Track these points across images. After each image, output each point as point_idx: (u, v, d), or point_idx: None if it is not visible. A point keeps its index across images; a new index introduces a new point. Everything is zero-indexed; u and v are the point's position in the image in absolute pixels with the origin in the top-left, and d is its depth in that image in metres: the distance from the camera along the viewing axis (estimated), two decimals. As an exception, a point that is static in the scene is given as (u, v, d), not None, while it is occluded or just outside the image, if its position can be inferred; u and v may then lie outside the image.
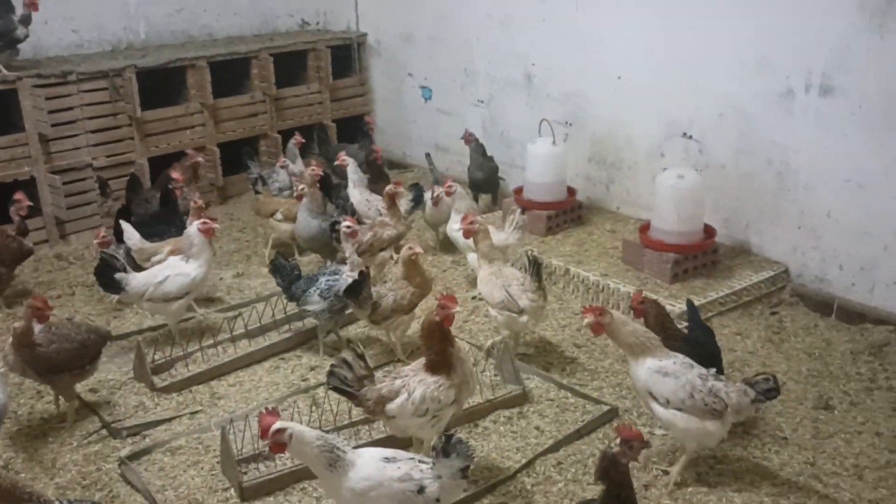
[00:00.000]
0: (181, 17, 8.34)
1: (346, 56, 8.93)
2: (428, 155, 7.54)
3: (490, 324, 5.39)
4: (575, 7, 6.95)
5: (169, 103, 7.61)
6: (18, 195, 5.91)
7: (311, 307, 4.98)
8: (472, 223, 5.06)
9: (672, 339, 4.11)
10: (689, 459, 3.91)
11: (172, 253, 5.42)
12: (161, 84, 7.51)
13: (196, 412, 4.53)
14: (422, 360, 3.86)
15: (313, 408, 4.55)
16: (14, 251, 5.69)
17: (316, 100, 8.62)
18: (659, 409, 3.79)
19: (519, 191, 6.92)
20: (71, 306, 5.82)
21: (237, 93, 8.08)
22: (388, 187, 6.10)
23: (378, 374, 3.78)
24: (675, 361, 3.83)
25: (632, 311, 4.35)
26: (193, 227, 5.17)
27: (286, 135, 8.15)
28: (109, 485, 3.95)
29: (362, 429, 4.31)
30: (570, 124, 7.19)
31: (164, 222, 6.10)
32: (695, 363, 3.86)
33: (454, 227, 5.88)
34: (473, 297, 5.86)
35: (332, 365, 3.78)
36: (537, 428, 4.34)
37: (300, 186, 6.19)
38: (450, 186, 6.02)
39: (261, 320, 5.35)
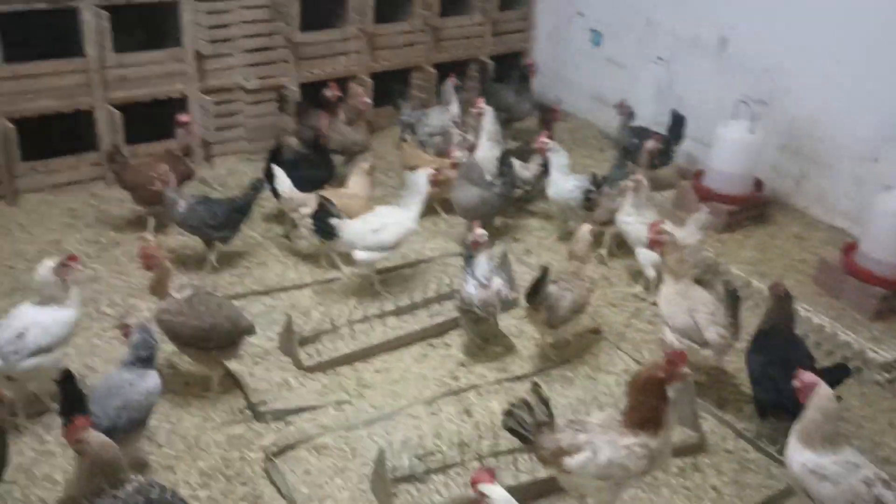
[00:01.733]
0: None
1: (512, -16, 8.18)
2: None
3: (654, 333, 4.89)
4: (794, -32, 6.00)
5: (324, 25, 7.12)
6: (186, 118, 5.70)
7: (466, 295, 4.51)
8: (660, 233, 4.48)
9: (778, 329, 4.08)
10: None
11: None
12: (319, 4, 6.99)
13: (342, 402, 4.25)
14: (613, 413, 3.41)
15: (464, 416, 4.21)
16: (181, 173, 5.52)
17: (476, 32, 7.96)
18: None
19: (698, 175, 6.21)
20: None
21: (393, 18, 7.50)
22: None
23: (560, 421, 3.36)
24: (838, 460, 3.25)
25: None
26: (422, 174, 5.04)
27: (440, 69, 7.63)
28: (253, 479, 3.75)
29: (519, 457, 3.94)
30: (765, 103, 6.34)
31: (312, 166, 5.76)
32: (862, 460, 3.28)
33: (626, 220, 5.29)
34: (635, 295, 5.33)
35: (511, 405, 3.37)
36: (714, 488, 3.87)
37: (455, 154, 5.66)
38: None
39: (411, 296, 4.99)
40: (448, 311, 4.97)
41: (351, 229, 4.88)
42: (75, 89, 5.94)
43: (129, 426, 3.47)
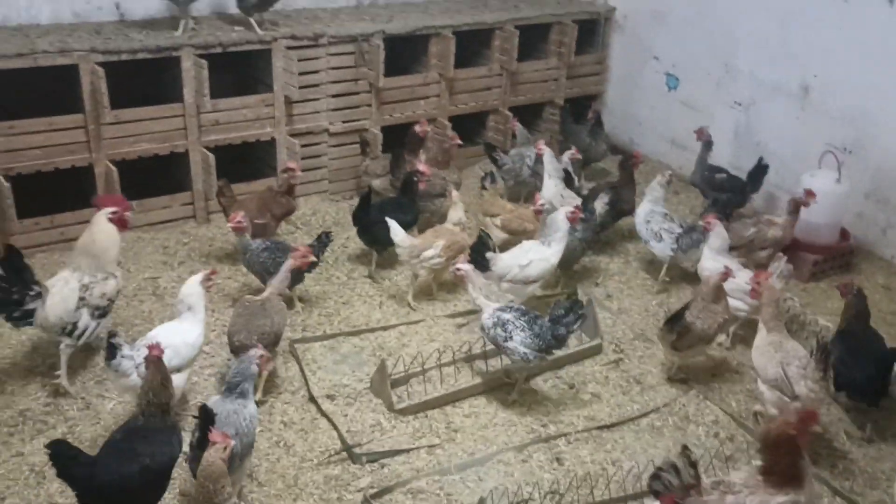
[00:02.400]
0: (426, -26, 7.96)
1: (587, 30, 8.26)
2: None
3: (741, 382, 4.87)
4: (889, 13, 5.95)
5: (404, 70, 7.32)
6: (293, 164, 6.12)
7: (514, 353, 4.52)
8: (759, 283, 4.50)
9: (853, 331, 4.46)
10: None
11: (449, 248, 5.45)
12: (399, 49, 7.20)
13: (434, 446, 4.32)
14: (751, 470, 3.43)
15: (555, 464, 4.24)
16: (283, 206, 5.97)
17: (552, 76, 8.08)
18: None
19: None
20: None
21: (470, 63, 7.67)
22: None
23: (705, 481, 3.37)
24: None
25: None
26: (561, 212, 5.23)
27: (516, 111, 7.77)
28: (352, 522, 3.84)
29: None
30: (850, 151, 6.30)
31: (401, 210, 5.89)
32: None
33: (708, 266, 5.28)
34: (719, 344, 5.29)
35: (658, 468, 3.41)
36: (813, 547, 3.82)
37: (539, 202, 5.74)
38: (710, 223, 5.38)
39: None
40: (533, 356, 5.01)
41: (502, 263, 5.23)
42: (172, 133, 6.21)
43: (244, 452, 3.66)
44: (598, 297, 5.74)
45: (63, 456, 3.29)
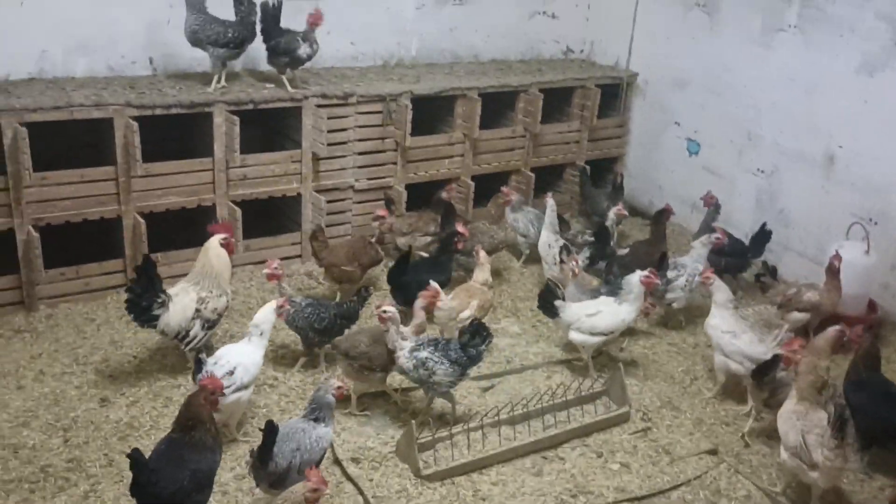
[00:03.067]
0: (452, 37, 8.10)
1: (609, 93, 8.36)
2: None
3: (772, 455, 4.79)
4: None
5: (429, 129, 7.40)
6: (384, 212, 6.29)
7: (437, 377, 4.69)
8: (795, 350, 4.47)
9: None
10: None
11: (482, 308, 5.59)
12: (424, 109, 7.27)
13: (462, 515, 4.24)
14: None
15: (586, 540, 4.15)
16: (371, 256, 6.20)
17: (573, 138, 8.15)
18: None
19: (806, 290, 6.15)
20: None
21: (494, 123, 7.75)
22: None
23: None
24: None
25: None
26: (636, 275, 5.34)
27: (537, 172, 7.84)
28: None
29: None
30: (875, 222, 6.30)
31: (436, 269, 5.90)
32: None
33: (714, 323, 5.32)
34: (746, 414, 5.21)
35: None
36: None
37: (571, 263, 5.77)
38: (708, 278, 5.43)
39: (526, 405, 4.98)
40: (560, 421, 4.94)
41: (570, 311, 5.43)
42: (201, 187, 6.25)
43: (303, 466, 3.83)
44: (623, 361, 5.69)
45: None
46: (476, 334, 4.78)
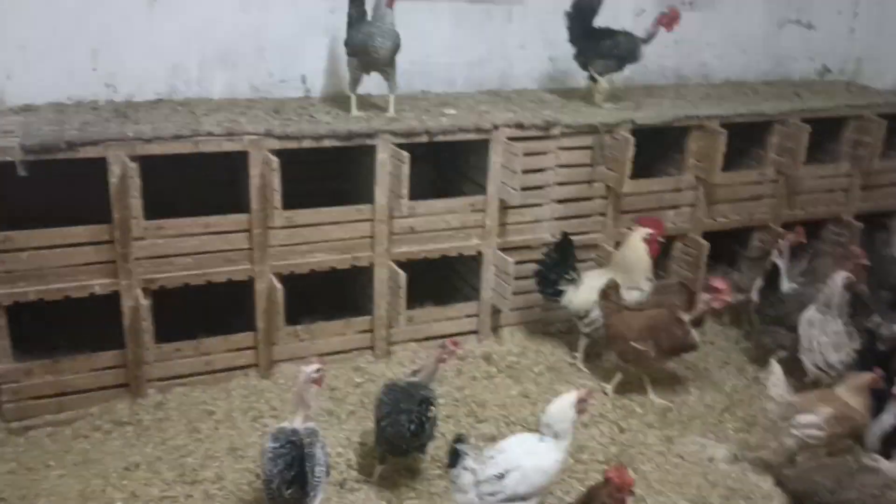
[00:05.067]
0: (677, 51, 6.29)
1: (891, 128, 6.21)
2: None
3: None
4: None
5: (644, 171, 5.58)
6: (720, 284, 4.65)
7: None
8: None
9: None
10: None
11: (836, 421, 4.03)
12: (638, 144, 5.46)
13: None
14: None
15: None
16: (678, 338, 4.63)
17: (841, 185, 6.09)
18: None
19: None
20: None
21: (728, 164, 5.79)
22: None
23: None
24: None
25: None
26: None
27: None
28: None
29: None
30: None
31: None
32: None
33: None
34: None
35: None
36: None
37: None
38: None
39: None
40: None
41: None
42: (356, 242, 4.80)
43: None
44: None
45: None
46: None
